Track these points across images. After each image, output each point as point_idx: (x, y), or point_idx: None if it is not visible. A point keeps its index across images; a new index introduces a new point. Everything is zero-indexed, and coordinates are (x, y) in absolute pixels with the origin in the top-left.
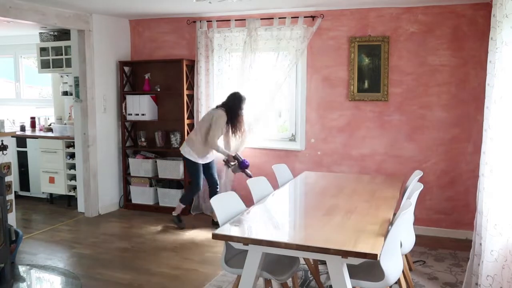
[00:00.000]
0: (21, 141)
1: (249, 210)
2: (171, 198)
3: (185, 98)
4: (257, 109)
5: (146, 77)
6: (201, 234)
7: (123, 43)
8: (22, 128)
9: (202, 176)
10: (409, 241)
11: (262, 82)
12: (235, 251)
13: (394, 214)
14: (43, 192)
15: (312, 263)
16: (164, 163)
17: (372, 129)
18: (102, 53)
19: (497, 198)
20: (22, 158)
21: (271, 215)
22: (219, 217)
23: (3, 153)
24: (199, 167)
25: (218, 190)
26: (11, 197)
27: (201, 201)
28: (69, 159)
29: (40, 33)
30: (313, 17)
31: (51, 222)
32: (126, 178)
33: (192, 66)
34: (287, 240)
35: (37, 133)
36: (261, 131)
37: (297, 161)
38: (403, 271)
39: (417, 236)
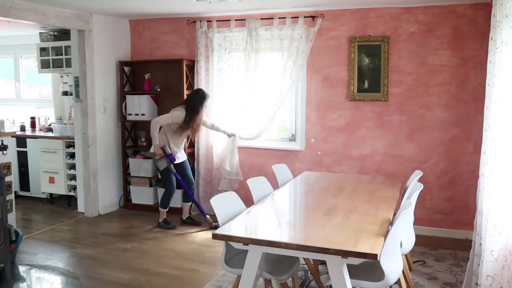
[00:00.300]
0: (21, 141)
1: (249, 210)
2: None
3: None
4: (266, 109)
5: (146, 77)
6: (201, 234)
7: (123, 43)
8: (22, 128)
9: (174, 176)
10: (409, 241)
11: (267, 82)
12: (235, 251)
13: (394, 214)
14: (43, 192)
15: (312, 263)
16: None
17: (372, 129)
18: (102, 53)
19: (497, 198)
20: (22, 158)
21: (271, 215)
22: (219, 217)
23: (3, 153)
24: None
25: (193, 189)
26: (11, 197)
27: (201, 201)
28: (69, 159)
29: (40, 33)
30: (313, 17)
31: (51, 222)
32: (126, 178)
33: (192, 66)
34: (287, 240)
35: (37, 133)
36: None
37: (297, 161)
38: (403, 271)
39: (417, 236)
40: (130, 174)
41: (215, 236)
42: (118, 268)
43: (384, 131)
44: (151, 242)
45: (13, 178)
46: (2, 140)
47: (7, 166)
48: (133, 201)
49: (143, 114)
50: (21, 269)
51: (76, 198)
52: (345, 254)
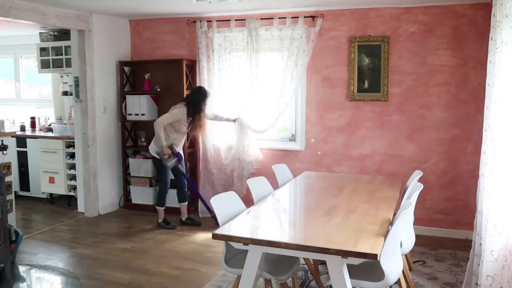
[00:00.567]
0: (21, 141)
1: (249, 210)
2: (171, 198)
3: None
4: (267, 109)
5: (146, 77)
6: (201, 234)
7: (123, 43)
8: (22, 128)
9: (170, 174)
10: (409, 241)
11: (268, 82)
12: (235, 251)
13: (394, 214)
14: (43, 192)
15: (312, 263)
16: None
17: (372, 129)
18: (102, 53)
19: (497, 198)
20: (22, 158)
21: (271, 215)
22: (219, 217)
23: (3, 153)
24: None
25: (186, 189)
26: (11, 197)
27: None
28: (69, 159)
29: (40, 33)
30: (313, 17)
31: (51, 222)
32: (126, 178)
33: (192, 66)
34: (287, 240)
35: (37, 133)
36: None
37: (297, 161)
38: (403, 271)
39: (417, 236)
40: (130, 174)
41: (215, 236)
42: (118, 268)
43: (384, 131)
44: (151, 242)
45: (13, 178)
46: (2, 140)
47: (7, 166)
48: (133, 201)
49: (143, 114)
50: (21, 269)
51: (76, 198)
52: (345, 254)
